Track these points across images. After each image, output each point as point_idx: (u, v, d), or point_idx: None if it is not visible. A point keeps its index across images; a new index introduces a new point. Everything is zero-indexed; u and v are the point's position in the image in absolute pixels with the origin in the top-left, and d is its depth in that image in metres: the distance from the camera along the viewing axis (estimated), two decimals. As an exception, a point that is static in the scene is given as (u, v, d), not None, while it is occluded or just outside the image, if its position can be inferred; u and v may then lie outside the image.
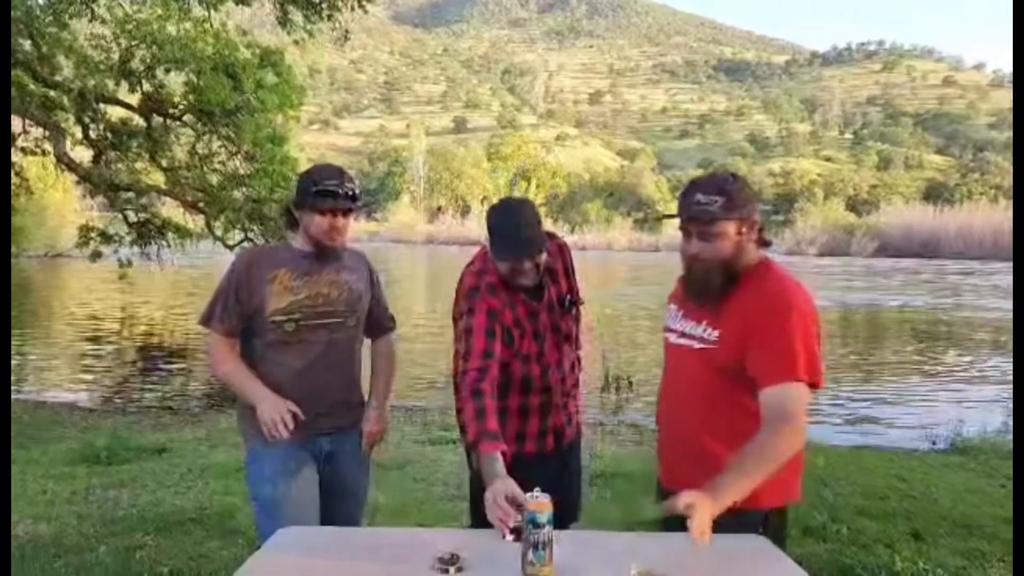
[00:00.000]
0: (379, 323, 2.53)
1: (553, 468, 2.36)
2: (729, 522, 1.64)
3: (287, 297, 2.21)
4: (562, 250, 2.42)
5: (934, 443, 6.87)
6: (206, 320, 2.26)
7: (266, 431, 2.12)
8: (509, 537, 1.72)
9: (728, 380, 1.83)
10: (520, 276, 2.21)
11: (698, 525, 1.55)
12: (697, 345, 1.88)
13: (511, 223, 2.18)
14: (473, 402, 2.02)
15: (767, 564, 1.73)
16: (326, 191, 2.20)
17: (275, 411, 2.12)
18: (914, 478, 5.16)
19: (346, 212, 2.25)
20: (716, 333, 1.84)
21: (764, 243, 1.91)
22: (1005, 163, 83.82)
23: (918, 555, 3.57)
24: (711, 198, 1.80)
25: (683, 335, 1.94)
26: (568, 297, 2.41)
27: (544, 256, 2.23)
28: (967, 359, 12.60)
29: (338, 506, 2.32)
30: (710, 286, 1.86)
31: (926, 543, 3.81)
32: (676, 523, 1.81)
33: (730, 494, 1.64)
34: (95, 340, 13.13)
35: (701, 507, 1.56)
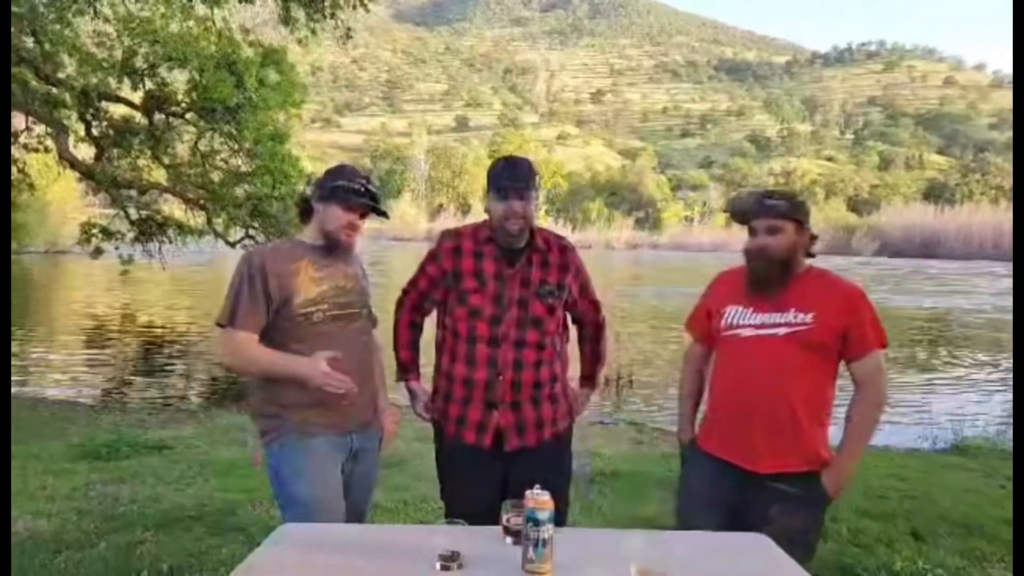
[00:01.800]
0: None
1: (528, 467, 2.28)
2: (801, 485, 2.19)
3: (314, 288, 2.23)
4: (564, 250, 2.46)
5: (934, 443, 6.88)
6: (230, 320, 2.18)
7: (334, 389, 2.14)
8: (508, 540, 1.74)
9: (814, 354, 2.21)
10: (510, 220, 2.29)
11: (835, 486, 2.21)
12: (784, 331, 2.22)
13: (504, 166, 2.37)
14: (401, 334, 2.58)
15: (767, 564, 1.74)
16: (352, 188, 2.25)
17: (325, 374, 2.13)
18: (914, 478, 5.16)
19: (364, 213, 2.31)
20: (809, 316, 2.20)
21: (809, 254, 2.30)
22: (1005, 163, 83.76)
23: (918, 555, 3.58)
24: (778, 202, 2.23)
25: (762, 327, 2.25)
26: (550, 288, 2.39)
27: (534, 207, 2.34)
28: (967, 359, 12.61)
29: (352, 498, 2.32)
30: (771, 276, 2.23)
31: (926, 543, 3.81)
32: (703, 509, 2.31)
33: (856, 458, 2.27)
34: (96, 336, 13.15)
35: (832, 478, 2.21)
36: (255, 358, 2.20)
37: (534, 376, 2.36)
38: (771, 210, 2.22)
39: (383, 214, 2.41)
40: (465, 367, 2.36)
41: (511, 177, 2.32)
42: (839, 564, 3.45)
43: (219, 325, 2.22)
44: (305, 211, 2.35)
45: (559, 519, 2.36)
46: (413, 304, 2.55)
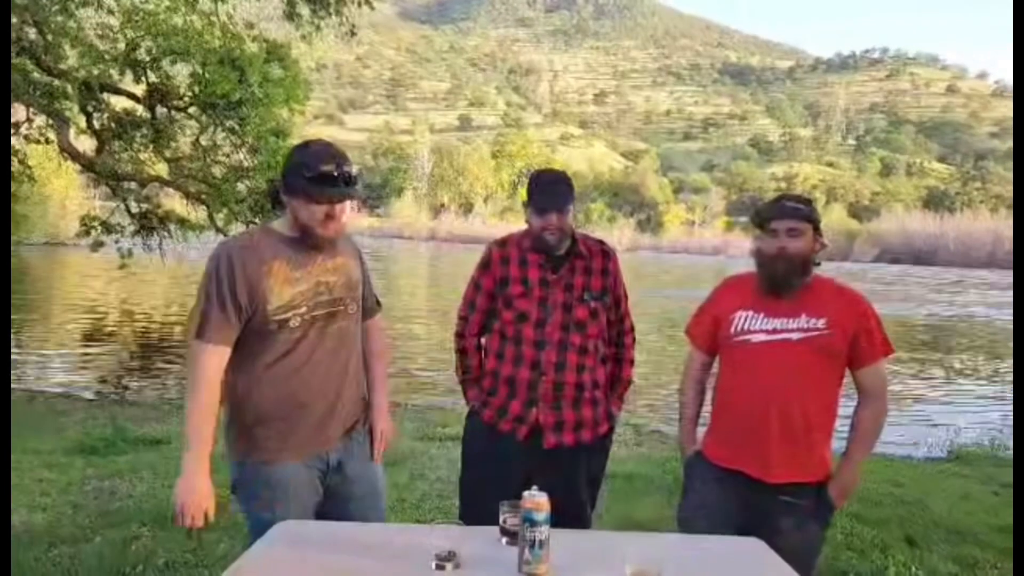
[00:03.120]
0: (368, 305, 2.28)
1: (552, 467, 2.37)
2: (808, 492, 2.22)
3: (288, 290, 1.97)
4: (605, 255, 2.52)
5: (929, 450, 6.89)
6: (201, 332, 1.92)
7: (179, 519, 1.94)
8: (505, 541, 1.75)
9: (825, 360, 2.20)
10: (546, 232, 2.38)
11: (841, 496, 2.26)
12: (797, 336, 2.20)
13: (545, 180, 2.47)
14: (471, 358, 2.60)
15: (761, 567, 1.74)
16: (322, 177, 1.92)
17: (194, 503, 1.95)
18: (909, 484, 5.17)
19: (342, 199, 1.98)
20: (823, 322, 2.19)
21: (815, 263, 2.29)
22: (1006, 172, 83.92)
23: (912, 561, 3.59)
24: (799, 205, 2.23)
25: (775, 332, 2.23)
26: (594, 294, 2.46)
27: (570, 218, 2.41)
28: (964, 366, 12.61)
29: (364, 506, 2.16)
30: (790, 278, 2.21)
31: (920, 549, 3.82)
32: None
33: (859, 465, 2.29)
34: (94, 330, 13.13)
35: (838, 488, 2.26)
36: (193, 393, 1.93)
37: (576, 378, 2.43)
38: (794, 213, 2.21)
39: (365, 196, 2.21)
40: (511, 367, 2.44)
41: (548, 197, 2.39)
42: (834, 569, 3.45)
43: (195, 338, 1.95)
44: (277, 199, 2.05)
45: (575, 523, 2.37)
46: (479, 325, 2.58)
